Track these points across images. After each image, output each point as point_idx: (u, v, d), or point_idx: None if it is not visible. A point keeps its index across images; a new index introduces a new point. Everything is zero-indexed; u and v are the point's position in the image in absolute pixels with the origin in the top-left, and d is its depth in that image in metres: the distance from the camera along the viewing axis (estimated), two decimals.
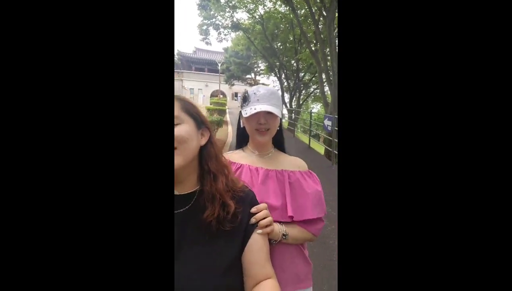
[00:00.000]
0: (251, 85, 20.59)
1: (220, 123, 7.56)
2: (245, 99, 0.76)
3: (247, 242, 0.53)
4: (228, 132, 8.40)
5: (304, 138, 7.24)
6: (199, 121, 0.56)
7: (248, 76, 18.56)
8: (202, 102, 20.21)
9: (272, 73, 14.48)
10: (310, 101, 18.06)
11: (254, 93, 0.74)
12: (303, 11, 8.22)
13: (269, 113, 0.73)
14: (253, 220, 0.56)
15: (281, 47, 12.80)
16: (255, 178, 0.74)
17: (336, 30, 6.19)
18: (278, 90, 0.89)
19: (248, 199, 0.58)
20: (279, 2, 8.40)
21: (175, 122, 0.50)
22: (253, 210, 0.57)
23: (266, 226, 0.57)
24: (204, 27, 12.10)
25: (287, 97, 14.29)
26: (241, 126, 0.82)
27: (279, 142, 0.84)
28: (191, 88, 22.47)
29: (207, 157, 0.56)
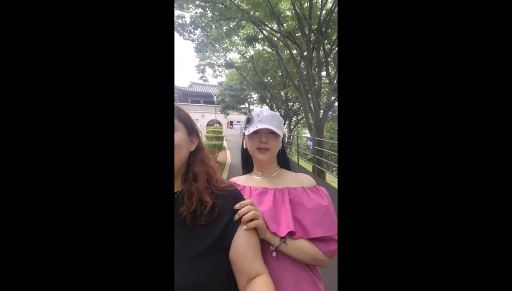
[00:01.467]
0: (245, 114, 21.86)
1: (220, 147, 8.60)
2: (249, 121, 0.78)
3: (230, 240, 0.54)
4: (227, 156, 9.40)
5: (295, 158, 8.37)
6: (190, 129, 0.60)
7: (242, 106, 20.10)
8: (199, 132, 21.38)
9: (264, 103, 15.99)
10: (300, 127, 19.46)
11: (257, 115, 0.77)
12: (286, 52, 9.82)
13: (270, 133, 0.76)
14: (236, 216, 0.56)
15: (271, 81, 14.41)
16: (253, 196, 0.74)
17: (316, 69, 7.63)
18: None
19: (230, 196, 0.59)
20: (266, 44, 10.02)
21: None
22: (236, 206, 0.57)
23: (251, 220, 0.57)
24: (201, 67, 13.69)
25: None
26: (244, 147, 0.83)
27: (284, 162, 0.84)
28: None
29: (193, 161, 0.59)
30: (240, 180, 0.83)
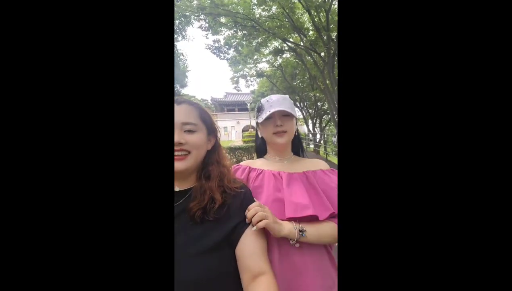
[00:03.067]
0: None
1: (255, 147, 9.92)
2: (260, 109, 0.78)
3: (238, 237, 0.56)
4: None
5: (323, 154, 9.27)
6: (210, 129, 0.64)
7: None
8: (236, 137, 23.19)
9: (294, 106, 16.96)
10: (332, 125, 19.82)
11: (267, 101, 0.77)
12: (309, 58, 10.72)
13: (284, 116, 0.76)
14: (247, 220, 0.58)
15: (300, 84, 15.30)
16: (279, 182, 0.74)
17: (336, 73, 8.43)
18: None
19: (240, 196, 0.61)
20: (292, 54, 11.05)
21: (193, 129, 0.58)
22: (246, 212, 0.59)
23: (260, 220, 0.57)
24: (235, 79, 15.28)
25: (310, 124, 16.44)
26: (259, 136, 0.84)
27: (297, 147, 0.86)
28: (225, 126, 25.87)
29: (209, 159, 0.64)
30: (256, 164, 0.82)
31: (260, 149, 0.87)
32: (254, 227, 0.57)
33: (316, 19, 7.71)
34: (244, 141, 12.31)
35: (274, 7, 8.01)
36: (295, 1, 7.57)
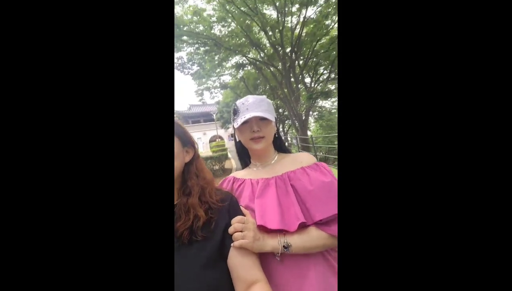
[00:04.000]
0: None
1: (226, 157, 10.38)
2: (235, 111, 0.73)
3: (226, 250, 0.56)
4: (232, 163, 11.20)
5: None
6: (184, 140, 0.61)
7: None
8: (203, 149, 23.30)
9: None
10: (293, 129, 21.44)
11: (243, 103, 0.72)
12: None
13: (261, 120, 0.71)
14: (230, 230, 0.57)
15: (262, 93, 16.37)
16: (255, 191, 0.70)
17: (291, 79, 9.55)
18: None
19: (226, 208, 0.61)
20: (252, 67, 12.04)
21: None
22: (233, 221, 0.59)
23: (242, 236, 0.56)
24: (199, 92, 15.70)
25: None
26: (237, 140, 0.80)
27: (280, 146, 0.81)
28: None
29: (187, 173, 0.61)
30: (240, 174, 0.80)
31: (241, 153, 0.85)
32: (237, 243, 0.56)
33: (272, 38, 8.76)
34: (214, 151, 12.73)
35: (233, 24, 8.82)
36: (249, 22, 8.54)
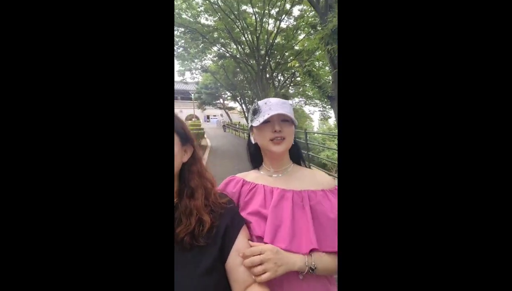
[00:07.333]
0: (220, 109, 25.08)
1: (202, 135, 11.83)
2: (256, 111, 0.70)
3: (225, 254, 0.55)
4: (207, 141, 12.52)
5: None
6: (184, 138, 0.57)
7: (217, 101, 23.18)
8: None
9: (236, 101, 19.37)
10: None
11: (265, 103, 0.70)
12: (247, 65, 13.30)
13: (283, 121, 0.69)
14: (245, 262, 0.55)
15: (240, 83, 17.71)
16: (269, 199, 0.68)
17: (267, 74, 11.28)
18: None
19: (229, 215, 0.58)
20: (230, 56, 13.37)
21: None
22: (246, 252, 0.56)
23: (262, 271, 0.54)
24: (182, 72, 16.58)
25: (250, 117, 19.41)
26: (253, 143, 0.75)
27: (296, 155, 0.78)
28: None
29: (188, 173, 0.58)
30: (250, 177, 0.75)
31: (254, 157, 0.79)
32: (261, 278, 0.54)
33: (249, 41, 10.23)
34: (190, 129, 13.99)
35: (217, 15, 9.93)
36: (234, 26, 9.91)
